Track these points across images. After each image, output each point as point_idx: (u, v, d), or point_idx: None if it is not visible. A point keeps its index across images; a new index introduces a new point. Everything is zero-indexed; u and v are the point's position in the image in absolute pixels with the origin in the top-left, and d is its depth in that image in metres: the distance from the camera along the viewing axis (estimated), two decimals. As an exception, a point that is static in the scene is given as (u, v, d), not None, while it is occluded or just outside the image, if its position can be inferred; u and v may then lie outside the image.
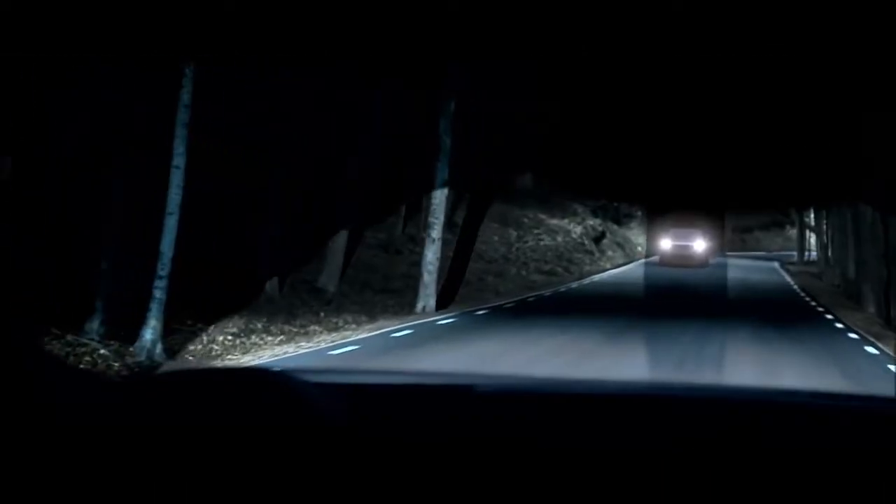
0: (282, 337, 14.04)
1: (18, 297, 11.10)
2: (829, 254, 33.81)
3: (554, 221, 31.56)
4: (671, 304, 18.15)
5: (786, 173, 2.58)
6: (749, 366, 11.46)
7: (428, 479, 1.41)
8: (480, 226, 23.23)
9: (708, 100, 2.32)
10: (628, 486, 1.43)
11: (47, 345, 10.36)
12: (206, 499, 1.27)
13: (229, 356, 12.31)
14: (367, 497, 1.35)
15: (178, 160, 11.51)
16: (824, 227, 35.65)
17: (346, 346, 13.00)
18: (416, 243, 21.91)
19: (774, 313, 19.14)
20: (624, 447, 1.53)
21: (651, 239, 29.66)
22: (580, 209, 33.57)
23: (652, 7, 2.00)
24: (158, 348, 11.56)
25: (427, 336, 14.19)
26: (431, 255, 19.10)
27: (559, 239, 30.81)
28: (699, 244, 27.92)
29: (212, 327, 13.44)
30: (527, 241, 29.01)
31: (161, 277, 11.50)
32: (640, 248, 36.75)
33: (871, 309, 21.89)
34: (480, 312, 17.77)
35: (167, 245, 11.56)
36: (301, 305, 16.90)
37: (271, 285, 16.96)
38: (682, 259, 26.61)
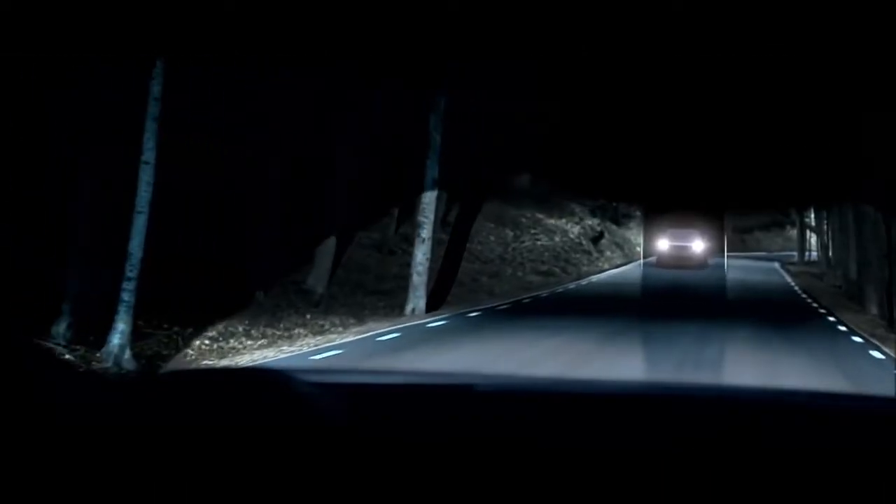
0: (263, 341, 13.64)
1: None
2: (830, 254, 33.78)
3: (551, 221, 31.57)
4: (669, 304, 18.22)
5: (786, 173, 2.59)
6: (749, 378, 11.04)
7: (428, 478, 1.42)
8: (474, 225, 23.20)
9: (708, 99, 2.29)
10: (628, 485, 1.43)
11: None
12: (206, 499, 1.27)
13: (205, 361, 11.92)
14: (367, 497, 1.36)
15: (148, 155, 11.04)
16: (825, 227, 35.63)
17: (330, 351, 12.64)
18: (411, 243, 21.65)
19: (775, 315, 18.98)
20: (624, 447, 1.54)
21: (648, 239, 29.38)
22: (578, 209, 33.61)
23: (652, 8, 1.99)
24: (127, 353, 11.10)
25: (415, 340, 13.89)
26: (421, 255, 18.73)
27: (556, 239, 30.79)
28: (697, 245, 27.60)
29: (189, 330, 13.00)
30: (523, 241, 28.96)
31: (129, 279, 11.04)
32: (639, 249, 36.58)
33: (874, 310, 21.78)
34: (473, 314, 17.52)
35: (136, 245, 11.11)
36: (287, 307, 16.52)
37: (258, 286, 16.55)
38: (679, 260, 26.39)
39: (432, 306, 18.40)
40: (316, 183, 19.56)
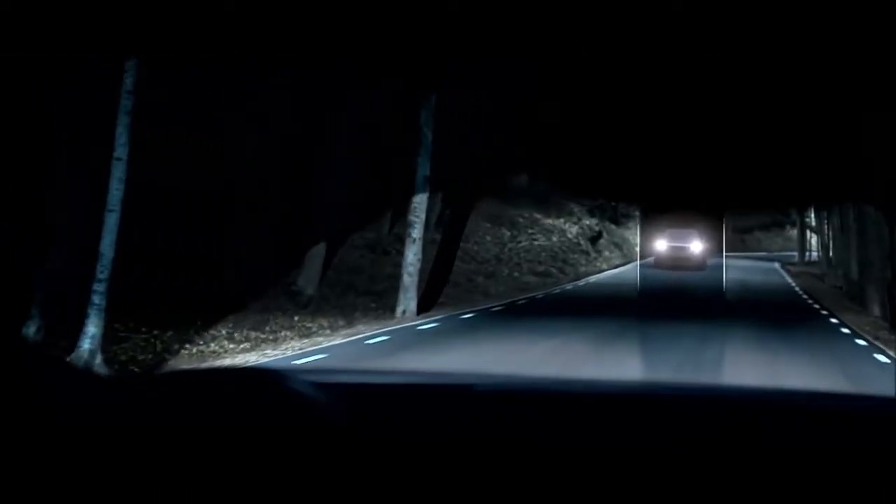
0: (246, 344, 13.23)
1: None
2: (831, 254, 33.66)
3: (549, 221, 31.46)
4: (669, 305, 18.17)
5: (786, 172, 2.55)
6: (750, 380, 10.72)
7: (428, 478, 1.43)
8: (470, 225, 22.93)
9: (707, 98, 2.30)
10: (628, 485, 1.45)
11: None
12: (206, 499, 1.27)
13: (182, 366, 11.45)
14: (368, 497, 1.37)
15: (121, 151, 10.65)
16: (825, 227, 35.49)
17: (315, 355, 12.26)
18: (404, 243, 21.39)
19: (776, 317, 18.77)
20: (624, 447, 1.55)
21: (646, 239, 29.15)
22: (576, 209, 33.56)
23: (651, 7, 2.00)
24: (98, 358, 10.72)
25: (404, 343, 13.55)
26: (412, 255, 18.34)
27: (554, 239, 30.67)
28: (696, 245, 27.31)
29: (168, 333, 12.59)
30: (520, 241, 28.78)
31: (100, 280, 10.66)
32: (638, 249, 36.51)
33: (877, 311, 21.55)
34: (466, 316, 17.21)
35: (107, 245, 10.74)
36: (275, 309, 16.14)
37: (246, 287, 16.18)
38: (677, 261, 26.17)
39: (424, 308, 18.03)
40: (311, 182, 19.29)
